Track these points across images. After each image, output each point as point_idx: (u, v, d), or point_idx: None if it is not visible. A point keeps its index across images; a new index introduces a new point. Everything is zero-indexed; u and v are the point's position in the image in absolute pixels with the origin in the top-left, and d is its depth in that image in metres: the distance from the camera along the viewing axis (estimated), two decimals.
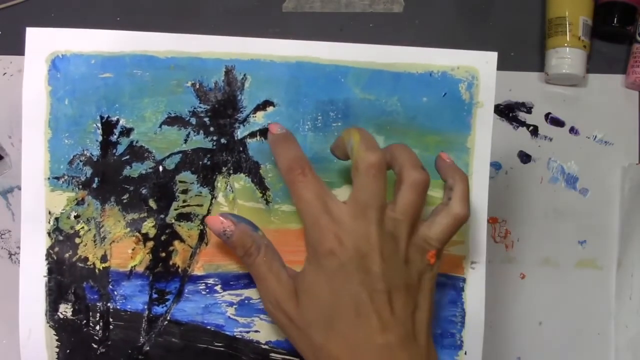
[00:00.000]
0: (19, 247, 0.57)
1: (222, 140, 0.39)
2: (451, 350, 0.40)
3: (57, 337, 0.39)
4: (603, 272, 0.49)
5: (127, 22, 0.52)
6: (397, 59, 0.40)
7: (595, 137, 0.50)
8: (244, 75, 0.39)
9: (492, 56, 0.40)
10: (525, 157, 0.49)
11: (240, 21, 0.52)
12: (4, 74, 0.54)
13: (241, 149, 0.39)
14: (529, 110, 0.49)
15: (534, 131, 0.49)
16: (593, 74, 0.51)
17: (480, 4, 0.51)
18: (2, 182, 0.57)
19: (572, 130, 0.50)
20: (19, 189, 0.53)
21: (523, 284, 0.48)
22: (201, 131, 0.39)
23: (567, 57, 0.48)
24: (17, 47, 0.58)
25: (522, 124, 0.49)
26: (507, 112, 0.49)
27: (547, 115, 0.49)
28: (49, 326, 0.39)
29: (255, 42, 0.40)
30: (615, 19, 0.48)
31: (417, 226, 0.34)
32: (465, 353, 0.40)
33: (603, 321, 0.49)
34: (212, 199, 0.39)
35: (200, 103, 0.39)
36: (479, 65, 0.40)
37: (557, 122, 0.50)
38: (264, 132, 0.39)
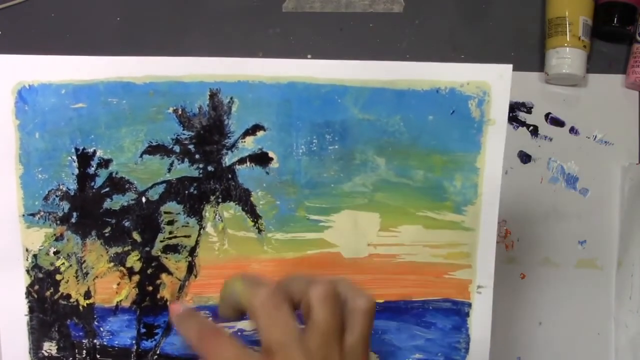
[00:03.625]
0: None
1: (209, 168, 0.52)
2: None
3: None
4: (603, 272, 0.67)
5: (127, 22, 0.69)
6: (400, 75, 0.52)
7: (595, 137, 0.68)
8: (231, 98, 0.52)
9: (506, 69, 0.52)
10: (525, 157, 0.67)
11: (240, 21, 0.67)
12: None
13: (230, 176, 0.52)
14: (529, 110, 0.67)
15: (534, 131, 0.67)
16: (593, 74, 0.67)
17: (480, 4, 0.68)
18: None
19: (572, 130, 0.68)
20: None
21: (523, 284, 0.67)
22: (186, 159, 0.52)
23: (567, 57, 0.65)
24: (17, 47, 0.70)
25: (522, 124, 0.67)
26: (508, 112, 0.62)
27: (547, 115, 0.67)
28: None
29: (242, 63, 0.52)
30: (615, 19, 0.66)
31: (341, 338, 0.44)
32: None
33: (603, 321, 0.67)
34: (200, 229, 0.53)
35: (183, 130, 0.52)
36: (491, 80, 0.52)
37: (557, 122, 0.68)
38: (254, 157, 0.52)
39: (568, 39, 0.64)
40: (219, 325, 0.45)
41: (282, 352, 0.41)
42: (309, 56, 0.66)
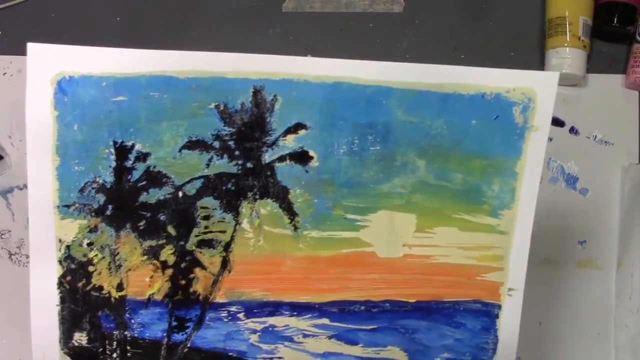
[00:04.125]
0: (19, 247, 0.74)
1: (248, 165, 0.54)
2: None
3: None
4: (603, 272, 0.71)
5: (127, 22, 0.71)
6: (447, 79, 0.54)
7: (595, 137, 0.71)
8: (274, 96, 0.53)
9: (553, 77, 0.54)
10: None
11: (240, 21, 0.70)
12: (4, 74, 0.74)
13: (269, 173, 0.54)
14: None
15: None
16: (593, 74, 0.71)
17: (480, 4, 0.71)
18: (2, 182, 0.74)
19: (572, 130, 0.71)
20: (19, 189, 0.73)
21: None
22: (225, 155, 0.54)
23: (567, 57, 0.68)
24: (17, 47, 0.72)
25: None
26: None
27: None
28: (64, 353, 0.55)
29: (287, 61, 0.53)
30: (615, 19, 0.70)
31: None
32: None
33: (603, 321, 0.71)
34: (236, 225, 0.55)
35: (224, 126, 0.53)
36: (537, 87, 0.54)
37: (557, 122, 0.71)
38: (294, 156, 0.54)
39: (568, 39, 0.67)
40: None
41: None
42: (308, 55, 0.68)
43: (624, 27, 0.68)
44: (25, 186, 0.78)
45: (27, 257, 0.79)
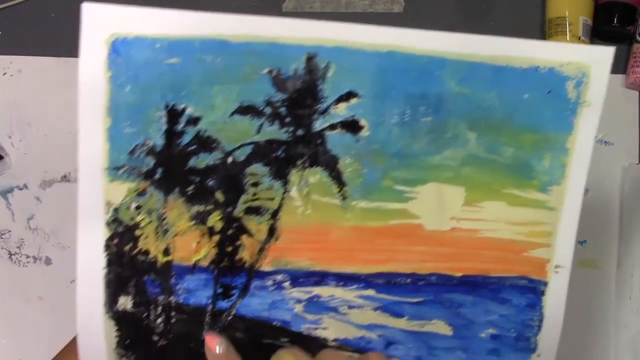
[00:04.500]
0: (19, 247, 0.76)
1: (299, 132, 0.54)
2: (524, 353, 0.59)
3: (116, 328, 0.56)
4: (603, 272, 0.72)
5: None
6: (501, 51, 0.53)
7: (596, 137, 0.69)
8: (328, 63, 0.53)
9: (608, 52, 0.54)
10: None
11: None
12: (4, 74, 0.76)
13: (319, 141, 0.54)
14: None
15: None
16: None
17: (480, 4, 0.72)
18: (2, 182, 0.75)
19: None
20: (19, 189, 0.75)
21: None
22: (276, 122, 0.54)
23: None
24: (17, 47, 0.73)
25: None
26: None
27: None
28: (108, 317, 0.55)
29: (342, 28, 0.53)
30: (615, 19, 0.71)
31: None
32: (539, 356, 0.60)
33: (603, 321, 0.72)
34: (284, 193, 0.55)
35: (276, 92, 0.53)
36: (592, 62, 0.54)
37: None
38: (345, 124, 0.54)
39: (568, 39, 0.67)
40: None
41: None
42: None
43: (624, 27, 0.68)
44: (26, 186, 0.81)
45: (27, 257, 0.82)
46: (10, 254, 0.82)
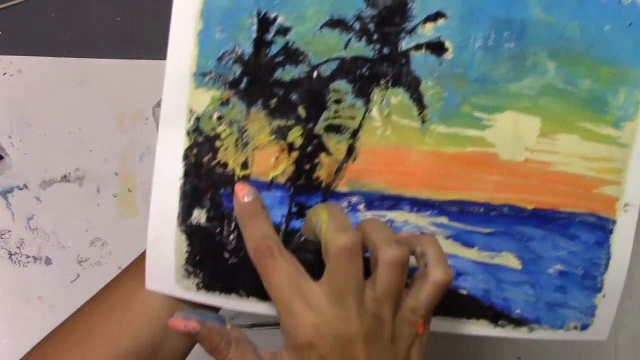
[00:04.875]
0: (18, 247, 0.77)
1: (384, 50, 0.54)
2: (590, 292, 0.60)
3: (187, 243, 0.55)
4: None
5: (127, 22, 0.74)
6: None
7: None
8: None
9: None
10: None
11: None
12: (4, 74, 0.76)
13: (403, 61, 0.55)
14: None
15: None
16: None
17: None
18: (2, 182, 0.76)
19: None
20: (19, 189, 0.76)
21: None
22: (363, 38, 0.54)
23: None
24: (17, 47, 0.74)
25: None
26: None
27: None
28: (180, 231, 0.55)
29: None
30: None
31: (401, 299, 0.48)
32: (604, 296, 0.60)
33: None
34: (365, 112, 0.55)
35: (367, 7, 0.53)
36: None
37: None
38: (430, 45, 0.54)
39: None
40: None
41: (339, 295, 0.46)
42: None
43: None
44: (26, 186, 0.82)
45: (27, 257, 0.83)
46: (10, 254, 0.82)
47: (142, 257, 0.56)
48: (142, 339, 0.56)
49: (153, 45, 0.79)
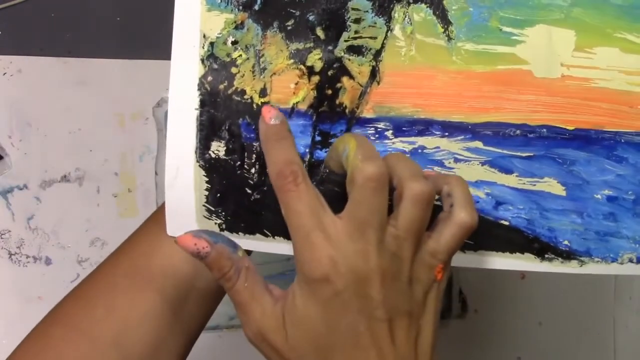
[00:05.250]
0: (19, 247, 0.77)
1: None
2: None
3: (207, 179, 0.52)
4: None
5: (127, 22, 0.74)
6: None
7: None
8: None
9: None
10: None
11: None
12: (4, 74, 0.77)
13: None
14: None
15: None
16: None
17: None
18: (2, 182, 0.76)
19: None
20: (19, 189, 0.76)
21: (523, 284, 0.72)
22: None
23: None
24: (17, 47, 0.74)
25: None
26: None
27: None
28: (199, 166, 0.52)
29: None
30: None
31: (422, 240, 0.46)
32: None
33: (603, 321, 0.72)
34: (387, 31, 0.52)
35: None
36: None
37: None
38: None
39: None
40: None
41: (360, 228, 0.44)
42: None
43: None
44: (26, 186, 0.82)
45: (27, 257, 0.82)
46: (10, 254, 0.82)
47: (158, 212, 0.53)
48: (165, 294, 0.53)
49: (153, 45, 0.78)
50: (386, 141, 0.53)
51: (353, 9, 0.51)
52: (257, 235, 0.53)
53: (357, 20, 0.52)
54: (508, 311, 0.69)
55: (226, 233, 0.52)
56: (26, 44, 0.79)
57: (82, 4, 0.76)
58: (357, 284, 0.44)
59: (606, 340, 0.69)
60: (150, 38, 0.73)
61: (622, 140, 0.53)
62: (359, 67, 0.53)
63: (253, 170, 0.52)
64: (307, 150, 0.52)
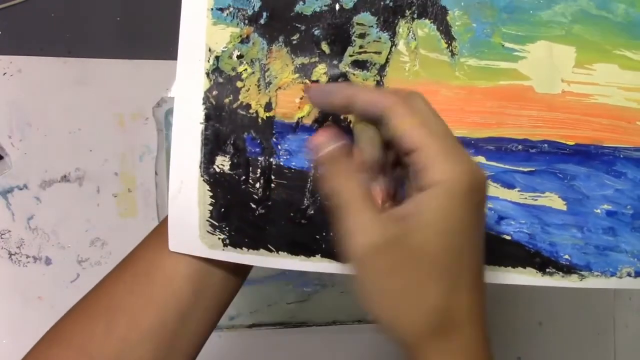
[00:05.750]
0: (18, 247, 0.77)
1: None
2: None
3: (211, 193, 0.52)
4: None
5: (127, 22, 0.74)
6: None
7: None
8: None
9: None
10: None
11: None
12: (4, 74, 0.77)
13: None
14: None
15: None
16: None
17: None
18: (2, 182, 0.76)
19: None
20: (19, 189, 0.77)
21: None
22: None
23: None
24: (17, 47, 0.74)
25: None
26: None
27: None
28: (203, 180, 0.51)
29: None
30: None
31: None
32: None
33: (603, 321, 0.72)
34: (392, 46, 0.52)
35: None
36: None
37: None
38: None
39: None
40: None
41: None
42: None
43: None
44: (26, 186, 0.82)
45: (27, 257, 0.82)
46: (10, 254, 0.82)
47: (159, 228, 0.53)
48: (166, 313, 0.53)
49: (153, 45, 0.78)
50: None
51: (358, 23, 0.52)
52: (261, 250, 0.52)
53: (362, 35, 0.52)
54: (508, 311, 0.69)
55: (229, 248, 0.52)
56: (26, 44, 0.79)
57: (82, 4, 0.75)
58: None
59: (606, 340, 0.70)
60: (150, 38, 0.72)
61: (621, 156, 0.54)
62: (363, 81, 0.53)
63: (258, 185, 0.51)
64: (313, 165, 0.52)
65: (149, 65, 0.84)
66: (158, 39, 0.73)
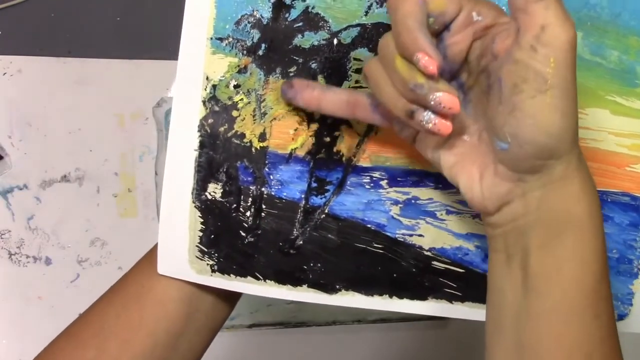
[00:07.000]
0: (19, 247, 0.78)
1: None
2: (626, 278, 0.56)
3: (202, 220, 0.52)
4: None
5: (127, 22, 0.74)
6: None
7: None
8: None
9: None
10: None
11: None
12: (4, 74, 0.77)
13: None
14: None
15: None
16: None
17: None
18: (2, 182, 0.77)
19: None
20: (19, 189, 0.77)
21: None
22: (385, 4, 0.52)
23: None
24: (17, 47, 0.74)
25: None
26: None
27: None
28: (194, 206, 0.52)
29: None
30: None
31: None
32: None
33: None
34: None
35: None
36: None
37: None
38: None
39: None
40: None
41: None
42: None
43: None
44: (26, 186, 0.82)
45: (27, 257, 0.83)
46: (10, 254, 0.82)
47: (151, 252, 0.53)
48: (156, 337, 0.53)
49: (153, 45, 0.78)
50: (380, 190, 0.53)
51: (355, 58, 0.52)
52: (249, 277, 0.53)
53: (359, 70, 0.52)
54: None
55: (217, 274, 0.52)
56: (26, 44, 0.79)
57: (82, 4, 0.75)
58: None
59: None
60: (150, 38, 0.72)
61: (609, 200, 0.55)
62: None
63: (248, 214, 0.52)
64: (303, 196, 0.52)
65: (149, 65, 0.84)
66: (158, 39, 0.73)
